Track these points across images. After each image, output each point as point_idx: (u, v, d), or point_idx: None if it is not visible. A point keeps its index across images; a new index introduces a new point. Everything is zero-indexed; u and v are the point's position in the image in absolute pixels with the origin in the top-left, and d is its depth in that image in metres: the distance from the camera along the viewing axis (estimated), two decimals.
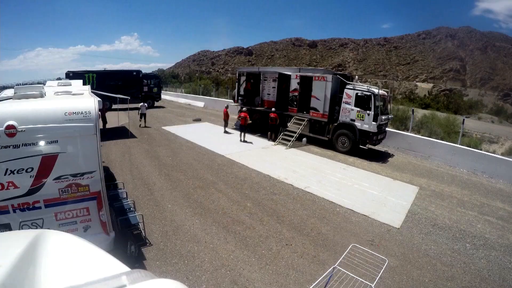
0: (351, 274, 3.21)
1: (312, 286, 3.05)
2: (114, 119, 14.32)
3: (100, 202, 3.68)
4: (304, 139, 12.21)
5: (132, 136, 12.70)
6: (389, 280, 4.22)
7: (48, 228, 3.28)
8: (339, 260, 3.41)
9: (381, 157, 10.92)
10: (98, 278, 1.07)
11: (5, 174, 3.12)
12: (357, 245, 3.69)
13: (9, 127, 3.03)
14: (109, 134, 12.28)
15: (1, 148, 3.04)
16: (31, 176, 3.25)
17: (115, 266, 1.32)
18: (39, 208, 3.39)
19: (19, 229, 3.28)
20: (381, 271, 3.09)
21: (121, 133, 13.02)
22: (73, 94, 4.23)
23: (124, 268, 1.26)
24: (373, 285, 2.88)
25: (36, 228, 3.39)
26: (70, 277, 1.19)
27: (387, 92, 12.55)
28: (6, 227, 3.22)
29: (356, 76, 12.46)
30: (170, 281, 1.15)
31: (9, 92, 4.00)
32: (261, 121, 13.82)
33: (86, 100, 3.58)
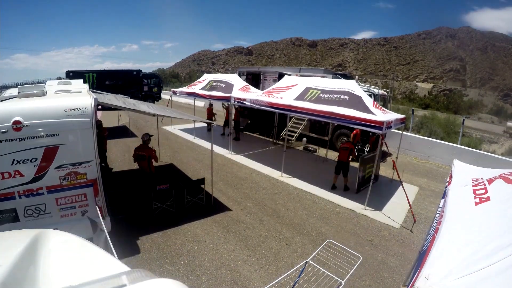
0: (323, 269, 3.17)
1: (280, 277, 2.99)
2: (114, 119, 14.29)
3: (96, 188, 4.04)
4: (304, 139, 12.20)
5: (132, 135, 12.70)
6: (388, 280, 4.22)
7: (50, 212, 3.79)
8: (312, 255, 3.38)
9: (381, 157, 10.91)
10: (98, 277, 1.07)
11: (12, 164, 3.50)
12: (332, 241, 3.67)
13: (16, 122, 3.42)
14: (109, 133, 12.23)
15: (9, 141, 3.44)
16: (35, 165, 3.63)
17: (115, 265, 1.32)
18: (42, 194, 3.76)
19: (24, 213, 3.69)
20: (354, 268, 3.07)
21: (121, 132, 13.02)
22: (72, 93, 4.49)
23: (124, 267, 1.27)
24: (343, 282, 2.86)
25: (39, 212, 3.78)
26: (70, 276, 1.19)
27: (387, 92, 12.56)
28: (13, 212, 3.63)
29: (356, 76, 12.47)
30: (170, 281, 1.15)
31: (13, 91, 4.39)
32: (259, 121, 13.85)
33: (83, 98, 3.92)
